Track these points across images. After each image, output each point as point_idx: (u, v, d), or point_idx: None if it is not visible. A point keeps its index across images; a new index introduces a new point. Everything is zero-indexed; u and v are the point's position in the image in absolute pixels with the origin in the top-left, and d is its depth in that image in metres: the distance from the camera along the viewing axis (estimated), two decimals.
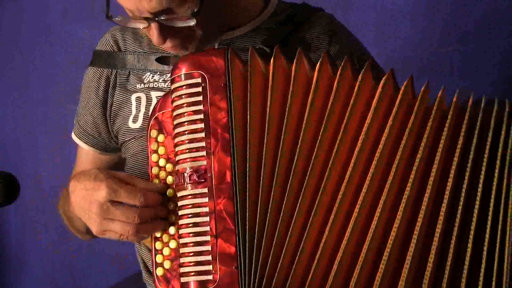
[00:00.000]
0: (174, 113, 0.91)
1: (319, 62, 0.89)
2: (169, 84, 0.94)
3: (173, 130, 0.91)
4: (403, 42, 1.91)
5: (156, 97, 1.07)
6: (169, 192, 0.92)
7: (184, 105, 0.90)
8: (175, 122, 0.91)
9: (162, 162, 0.93)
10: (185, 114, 0.90)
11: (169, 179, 0.92)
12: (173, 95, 0.92)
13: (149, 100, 1.07)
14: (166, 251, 0.92)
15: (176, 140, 0.90)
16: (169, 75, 1.06)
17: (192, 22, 0.93)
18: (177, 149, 0.90)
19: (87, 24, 2.21)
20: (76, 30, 2.26)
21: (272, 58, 0.89)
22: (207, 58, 0.90)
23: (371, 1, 1.93)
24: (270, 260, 0.85)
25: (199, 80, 0.89)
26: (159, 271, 0.92)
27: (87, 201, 0.90)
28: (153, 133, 0.95)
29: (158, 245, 0.92)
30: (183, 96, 0.90)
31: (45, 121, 2.35)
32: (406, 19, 1.93)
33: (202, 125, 0.88)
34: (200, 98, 0.89)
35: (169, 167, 0.93)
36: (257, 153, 0.87)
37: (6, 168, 0.98)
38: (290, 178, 0.86)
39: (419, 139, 0.85)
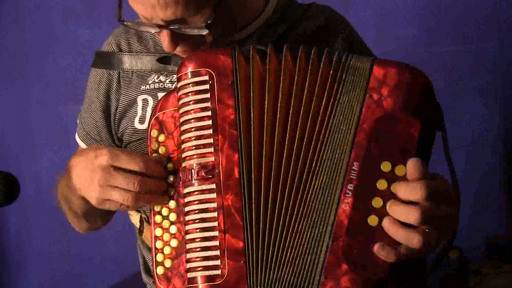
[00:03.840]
0: (181, 111, 0.92)
1: (298, 59, 0.91)
2: (176, 82, 0.94)
3: (180, 128, 0.92)
4: (403, 42, 1.92)
5: None
6: (169, 167, 0.93)
7: (191, 103, 0.91)
8: (181, 119, 0.92)
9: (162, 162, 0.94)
10: (192, 111, 0.90)
11: (170, 178, 0.93)
12: (180, 93, 0.92)
13: (155, 100, 1.08)
14: (167, 250, 0.92)
15: (183, 137, 0.91)
16: (174, 76, 1.06)
17: (204, 32, 0.94)
18: (183, 145, 0.91)
19: (87, 24, 2.22)
20: (76, 30, 2.26)
21: (268, 57, 0.91)
22: (214, 56, 0.91)
23: (371, 1, 1.94)
24: (279, 254, 0.87)
25: (206, 77, 0.90)
26: (160, 270, 0.92)
27: (89, 169, 0.92)
28: (154, 133, 0.95)
29: (159, 244, 0.93)
30: (190, 94, 0.91)
31: (45, 121, 2.35)
32: (406, 19, 1.93)
33: (209, 122, 0.89)
34: (208, 95, 0.90)
35: (170, 166, 0.93)
36: (258, 149, 0.89)
37: (6, 168, 0.98)
38: (281, 176, 0.88)
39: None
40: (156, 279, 0.92)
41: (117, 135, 1.13)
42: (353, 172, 0.85)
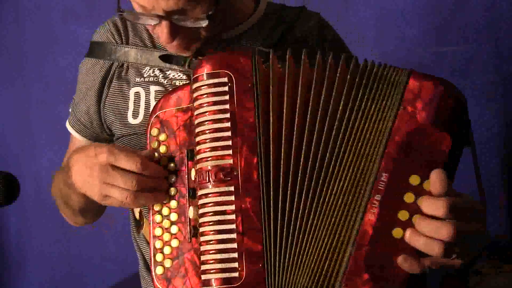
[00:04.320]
0: (197, 112, 0.91)
1: (316, 63, 0.90)
2: (191, 83, 0.94)
3: (195, 128, 0.91)
4: (403, 42, 1.92)
5: (155, 91, 1.07)
6: (171, 166, 0.93)
7: (209, 104, 0.90)
8: (197, 121, 0.91)
9: (164, 161, 0.94)
10: (209, 113, 0.90)
11: (172, 178, 0.93)
12: (196, 94, 0.92)
13: (147, 94, 1.08)
14: (167, 250, 0.92)
15: (198, 138, 0.90)
16: (168, 72, 1.07)
17: (204, 24, 0.95)
18: (198, 147, 0.90)
19: (87, 24, 2.21)
20: (76, 30, 2.26)
21: (287, 62, 0.91)
22: (234, 58, 0.91)
23: (371, 1, 1.94)
24: (297, 257, 0.87)
25: (225, 79, 0.90)
26: (159, 270, 0.91)
27: (89, 167, 0.92)
28: (154, 131, 0.95)
29: (158, 243, 0.92)
30: (207, 95, 0.90)
31: (45, 121, 2.35)
32: (406, 19, 1.93)
33: (228, 124, 0.88)
34: (227, 97, 0.89)
35: (171, 166, 0.93)
36: (276, 152, 0.88)
37: (6, 168, 0.98)
38: (299, 180, 0.87)
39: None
40: (155, 279, 0.91)
41: (105, 123, 1.14)
42: (382, 183, 0.84)
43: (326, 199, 0.87)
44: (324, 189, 0.87)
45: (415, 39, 1.91)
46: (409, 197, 0.84)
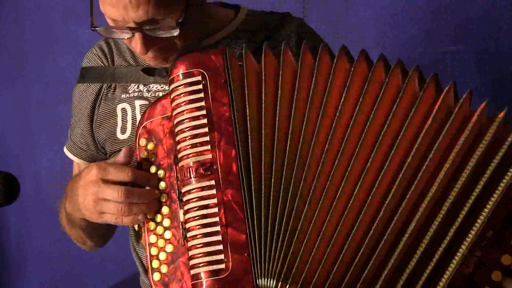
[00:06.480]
0: (175, 112, 0.93)
1: (301, 54, 0.92)
2: (168, 85, 0.95)
3: (174, 129, 0.93)
4: (403, 42, 1.92)
5: (140, 105, 1.09)
6: (160, 174, 0.94)
7: (185, 103, 0.92)
8: (176, 121, 0.92)
9: (153, 169, 0.95)
10: (186, 111, 0.91)
11: (162, 184, 0.94)
12: (173, 95, 0.93)
13: (133, 109, 1.10)
14: (162, 256, 0.93)
15: (178, 137, 0.92)
16: (152, 85, 1.09)
17: (176, 32, 0.96)
18: (179, 146, 0.91)
19: (87, 24, 2.21)
20: (76, 30, 2.26)
21: (263, 55, 0.92)
22: (205, 56, 0.93)
23: (371, 1, 1.94)
24: (281, 244, 0.87)
25: (199, 78, 0.91)
26: (156, 276, 0.93)
27: (83, 187, 0.94)
28: (142, 141, 0.97)
29: (154, 250, 0.93)
30: (183, 95, 0.92)
31: (45, 121, 2.35)
32: (406, 19, 1.93)
33: (205, 120, 0.90)
34: (202, 94, 0.91)
35: (160, 173, 0.94)
36: (257, 142, 0.89)
37: (6, 168, 0.98)
38: (284, 165, 0.88)
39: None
40: (153, 286, 0.92)
41: (100, 144, 1.15)
42: (486, 239, 0.82)
43: (318, 192, 0.87)
44: (320, 183, 0.87)
45: (415, 39, 1.91)
46: (506, 259, 0.82)
